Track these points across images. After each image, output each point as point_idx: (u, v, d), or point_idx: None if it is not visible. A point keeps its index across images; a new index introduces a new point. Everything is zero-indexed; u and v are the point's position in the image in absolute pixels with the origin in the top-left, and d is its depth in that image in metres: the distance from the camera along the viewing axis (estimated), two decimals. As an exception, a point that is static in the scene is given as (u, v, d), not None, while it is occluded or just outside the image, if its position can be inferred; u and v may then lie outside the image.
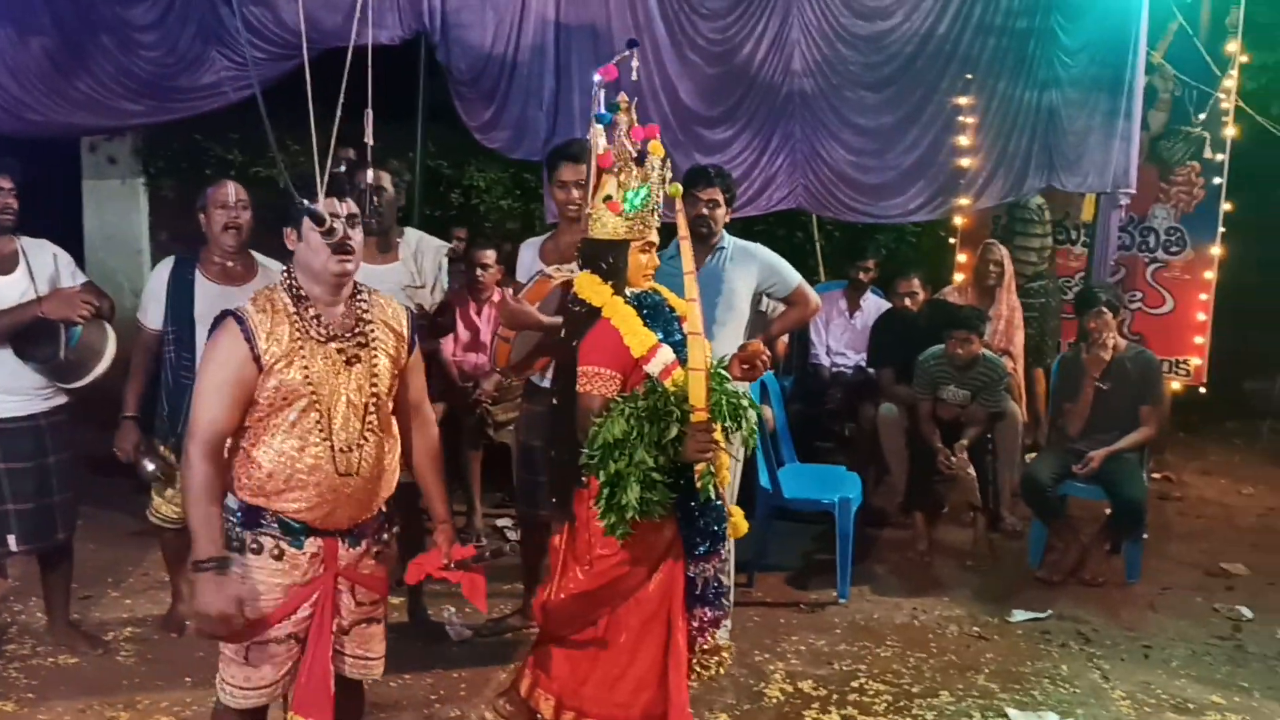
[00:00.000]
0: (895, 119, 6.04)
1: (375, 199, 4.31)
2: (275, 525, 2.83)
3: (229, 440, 2.84)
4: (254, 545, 2.82)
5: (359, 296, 2.95)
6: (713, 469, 3.01)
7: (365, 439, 2.87)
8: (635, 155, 3.19)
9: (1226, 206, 6.99)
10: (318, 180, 2.74)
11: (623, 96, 3.26)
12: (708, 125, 5.96)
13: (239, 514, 2.84)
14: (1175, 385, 7.09)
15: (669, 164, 3.27)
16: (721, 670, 3.35)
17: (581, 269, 3.30)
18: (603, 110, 3.22)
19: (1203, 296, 7.06)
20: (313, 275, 2.85)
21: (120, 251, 8.27)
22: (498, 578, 5.34)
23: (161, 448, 4.34)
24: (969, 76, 5.99)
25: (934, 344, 5.98)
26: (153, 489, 4.44)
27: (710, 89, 5.97)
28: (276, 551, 2.84)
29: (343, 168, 4.30)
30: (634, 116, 3.24)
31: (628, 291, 3.22)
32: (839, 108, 6.05)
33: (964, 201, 6.14)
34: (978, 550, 5.96)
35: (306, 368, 2.79)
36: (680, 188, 3.23)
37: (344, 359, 2.86)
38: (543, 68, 5.86)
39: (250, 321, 2.78)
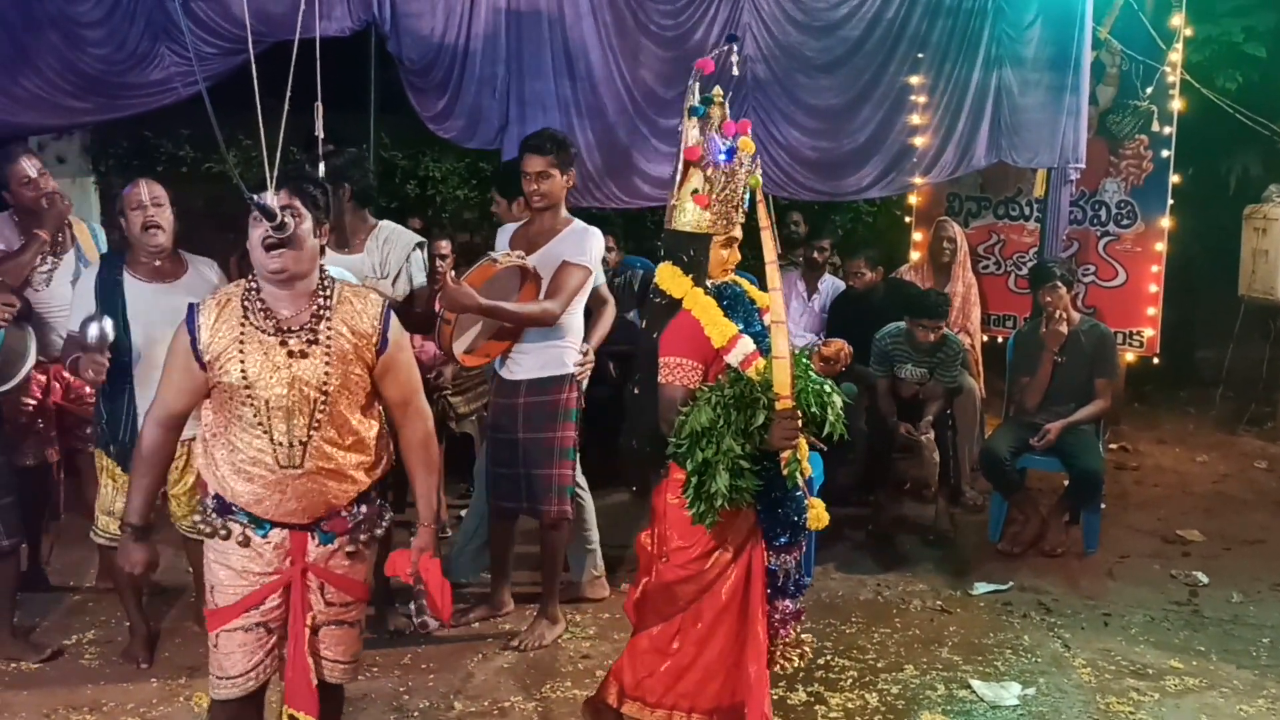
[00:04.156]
0: (847, 99, 6.07)
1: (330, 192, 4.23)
2: (243, 514, 2.92)
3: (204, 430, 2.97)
4: (223, 530, 2.93)
5: (321, 292, 2.90)
6: (798, 457, 3.03)
7: (311, 435, 2.86)
8: (725, 150, 3.18)
9: (1174, 179, 7.07)
10: (268, 174, 2.73)
11: (717, 90, 3.24)
12: (663, 111, 5.96)
13: (214, 500, 2.96)
14: (1129, 356, 7.18)
15: (758, 161, 3.28)
16: (802, 663, 3.39)
17: (663, 260, 3.30)
18: (697, 103, 3.21)
19: (1154, 268, 7.14)
20: (258, 269, 2.85)
21: (72, 251, 8.13)
22: (464, 568, 5.36)
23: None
24: (919, 56, 6.03)
25: (889, 322, 6.04)
26: (97, 506, 4.27)
27: (665, 74, 5.95)
28: (243, 538, 2.93)
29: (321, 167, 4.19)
30: (726, 110, 3.24)
31: (708, 283, 3.23)
32: (792, 90, 6.06)
33: (917, 179, 6.18)
34: (939, 525, 6.02)
35: (244, 361, 2.82)
36: (760, 179, 3.25)
37: (286, 352, 2.84)
38: (495, 56, 5.83)
39: (199, 315, 2.87)
